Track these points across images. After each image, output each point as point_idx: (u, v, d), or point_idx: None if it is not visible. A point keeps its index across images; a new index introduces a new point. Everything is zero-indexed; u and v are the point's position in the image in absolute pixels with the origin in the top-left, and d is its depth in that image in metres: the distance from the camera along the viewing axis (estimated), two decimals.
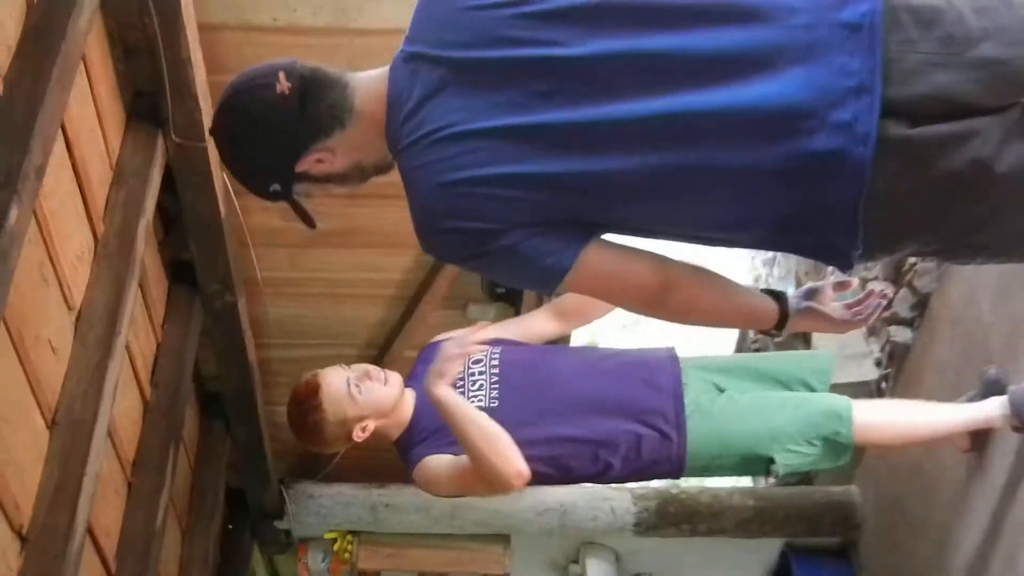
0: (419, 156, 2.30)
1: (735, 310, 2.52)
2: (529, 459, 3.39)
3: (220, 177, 4.02)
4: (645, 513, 5.65)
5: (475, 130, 2.23)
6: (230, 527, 5.53)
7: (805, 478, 6.28)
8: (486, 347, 3.64)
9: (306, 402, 3.52)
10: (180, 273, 4.37)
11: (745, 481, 6.81)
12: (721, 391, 3.76)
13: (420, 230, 2.38)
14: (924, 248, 2.37)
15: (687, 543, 5.78)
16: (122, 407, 3.73)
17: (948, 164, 2.09)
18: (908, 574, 5.01)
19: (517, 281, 2.79)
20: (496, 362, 3.63)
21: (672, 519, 5.66)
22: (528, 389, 3.56)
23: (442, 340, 3.71)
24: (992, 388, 3.86)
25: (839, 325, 2.68)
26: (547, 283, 2.35)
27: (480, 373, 3.59)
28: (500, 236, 2.26)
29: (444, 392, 3.34)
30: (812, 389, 3.84)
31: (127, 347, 3.70)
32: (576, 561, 5.90)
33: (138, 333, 3.94)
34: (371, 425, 3.57)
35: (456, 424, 3.35)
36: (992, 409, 3.74)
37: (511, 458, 3.33)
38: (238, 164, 2.52)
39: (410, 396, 3.63)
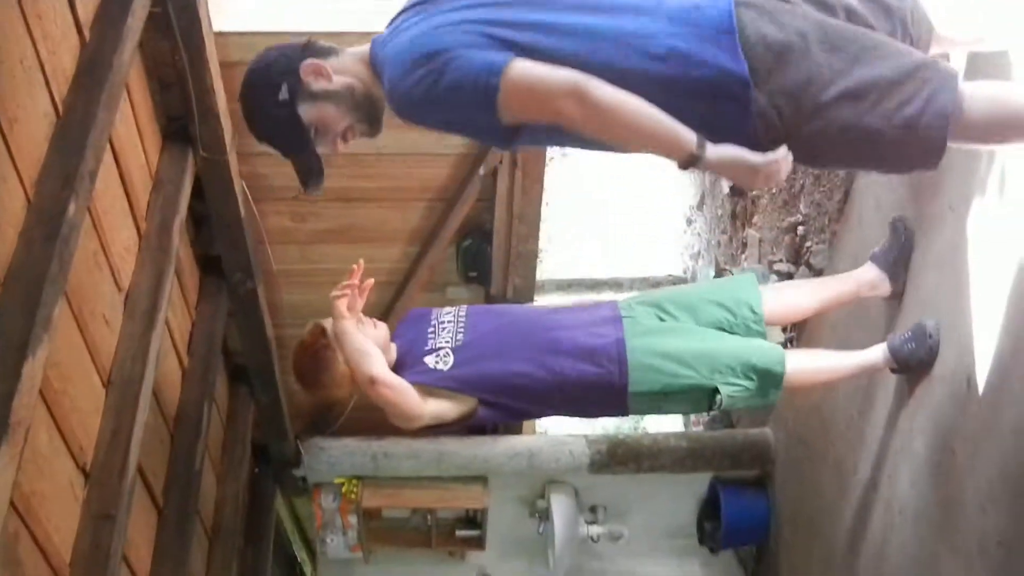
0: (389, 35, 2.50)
1: (655, 123, 2.33)
2: (488, 388, 3.34)
3: (240, 185, 4.09)
4: (598, 455, 5.73)
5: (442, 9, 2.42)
6: (256, 473, 5.57)
7: (728, 423, 6.36)
8: (458, 308, 3.63)
9: (314, 343, 3.35)
10: (209, 265, 4.41)
11: (678, 427, 6.90)
12: (662, 320, 3.56)
13: (393, 94, 2.42)
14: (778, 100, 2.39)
15: (633, 479, 5.85)
16: (164, 372, 3.78)
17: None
18: (813, 498, 5.09)
19: (463, 105, 2.39)
20: (464, 313, 3.56)
21: (620, 459, 5.73)
22: (490, 333, 3.46)
23: (417, 311, 3.74)
24: (893, 231, 3.92)
25: (755, 174, 2.39)
26: (487, 90, 2.31)
27: (449, 321, 3.51)
28: (446, 53, 2.32)
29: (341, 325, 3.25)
30: (752, 309, 3.60)
31: (167, 323, 3.76)
32: (542, 496, 5.95)
33: (176, 313, 4.00)
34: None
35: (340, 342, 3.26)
36: (876, 354, 3.81)
37: (367, 367, 3.18)
38: (252, 78, 2.60)
39: (394, 351, 3.49)
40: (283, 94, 2.48)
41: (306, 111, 2.51)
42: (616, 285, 10.63)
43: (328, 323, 3.34)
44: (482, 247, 4.97)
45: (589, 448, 5.74)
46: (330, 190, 4.75)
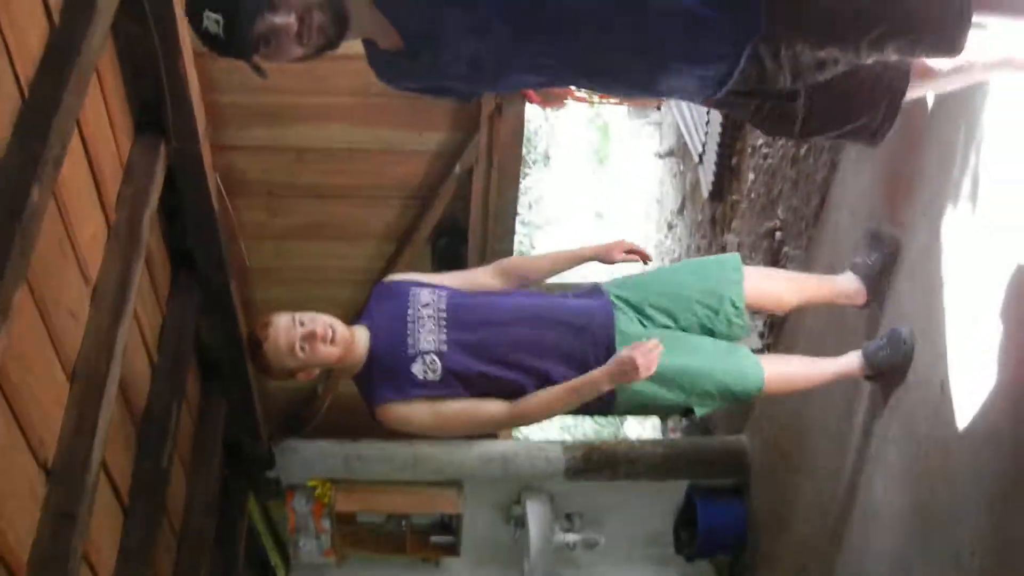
0: None
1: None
2: (482, 386, 3.29)
3: (213, 178, 4.06)
4: (574, 461, 5.71)
5: None
6: (228, 474, 5.51)
7: (705, 429, 6.35)
8: (435, 291, 3.43)
9: (253, 350, 3.24)
10: (181, 259, 4.35)
11: (655, 434, 6.88)
12: (644, 326, 3.51)
13: None
14: None
15: (609, 486, 5.82)
16: (132, 367, 3.72)
17: None
18: (789, 506, 5.07)
19: None
20: (444, 306, 3.38)
21: (596, 465, 5.71)
22: (472, 329, 3.33)
23: (393, 280, 3.56)
24: (874, 242, 3.90)
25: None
26: None
27: (429, 317, 3.34)
28: None
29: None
30: (733, 304, 3.56)
31: (137, 318, 3.71)
32: (518, 502, 5.91)
33: (146, 307, 3.94)
34: (316, 372, 3.30)
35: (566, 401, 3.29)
36: (851, 361, 3.79)
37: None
38: None
39: (361, 333, 3.35)
40: None
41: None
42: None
43: (271, 335, 3.17)
44: (458, 246, 4.95)
45: (565, 454, 5.72)
46: (305, 186, 4.81)
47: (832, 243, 4.48)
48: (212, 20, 2.20)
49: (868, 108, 2.66)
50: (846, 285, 3.89)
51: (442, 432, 3.45)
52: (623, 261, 3.60)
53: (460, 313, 3.37)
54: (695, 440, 5.97)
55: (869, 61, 2.44)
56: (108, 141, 3.44)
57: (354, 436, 5.70)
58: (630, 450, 5.79)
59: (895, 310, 3.81)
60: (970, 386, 3.27)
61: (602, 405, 3.41)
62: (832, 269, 4.07)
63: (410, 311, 3.35)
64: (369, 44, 2.43)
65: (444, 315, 3.36)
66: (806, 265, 4.80)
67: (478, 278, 3.63)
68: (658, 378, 3.30)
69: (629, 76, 2.50)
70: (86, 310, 3.24)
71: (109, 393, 3.17)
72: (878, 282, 3.85)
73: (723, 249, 7.29)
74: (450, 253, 4.97)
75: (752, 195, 5.56)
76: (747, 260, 6.34)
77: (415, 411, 3.27)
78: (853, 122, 2.69)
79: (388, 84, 2.49)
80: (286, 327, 3.18)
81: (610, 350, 3.32)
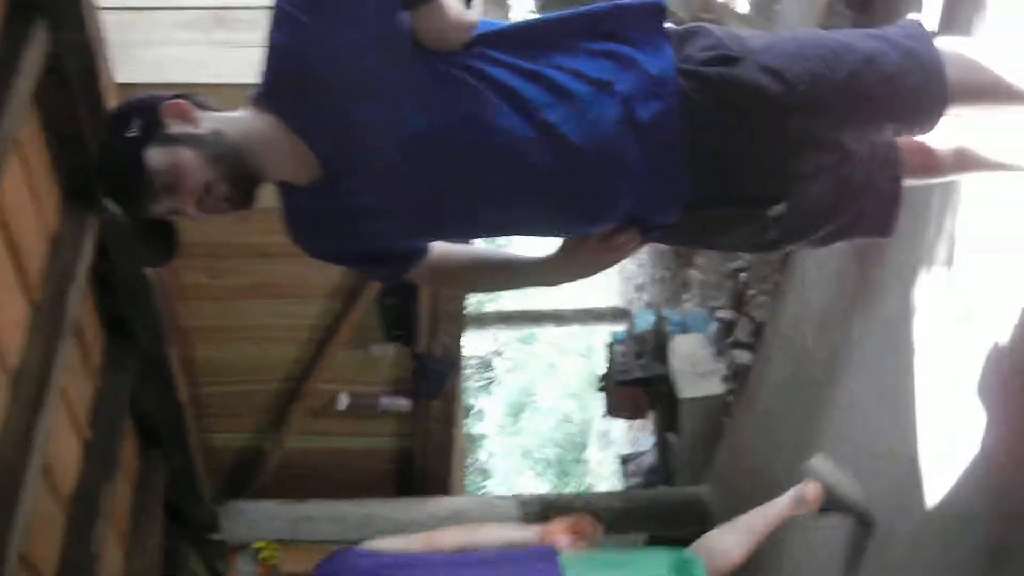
0: None
1: None
2: None
3: None
4: (528, 517, 5.53)
5: None
6: (170, 540, 5.31)
7: (665, 479, 6.22)
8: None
9: None
10: (116, 325, 4.16)
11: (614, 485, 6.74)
12: None
13: None
14: None
15: None
16: (58, 450, 3.54)
17: None
18: (750, 561, 4.94)
19: None
20: None
21: None
22: None
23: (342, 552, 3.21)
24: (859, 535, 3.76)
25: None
26: None
27: None
28: None
29: None
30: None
31: (65, 395, 3.54)
32: None
33: (76, 381, 3.76)
34: None
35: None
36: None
37: None
38: (108, 115, 2.17)
39: None
40: (133, 130, 1.98)
41: (156, 155, 1.96)
42: (558, 317, 10.55)
43: None
44: (407, 304, 4.78)
45: (519, 510, 5.56)
46: (249, 245, 4.64)
47: (799, 290, 4.37)
48: (113, 206, 2.02)
49: None
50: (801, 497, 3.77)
51: None
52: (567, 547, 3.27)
53: None
54: (654, 492, 5.85)
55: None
56: (29, 215, 3.26)
57: (303, 496, 5.54)
58: (586, 505, 5.63)
59: (861, 371, 3.69)
60: (940, 461, 3.13)
61: None
62: (797, 325, 3.95)
63: None
64: (287, 192, 2.12)
65: None
66: (772, 314, 4.68)
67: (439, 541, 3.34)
68: None
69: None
70: (4, 400, 3.04)
71: (28, 487, 3.00)
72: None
73: (686, 284, 7.19)
74: (398, 312, 4.81)
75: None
76: (710, 299, 6.28)
77: None
78: None
79: (307, 248, 2.23)
80: None
81: None
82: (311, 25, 1.91)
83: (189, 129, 1.99)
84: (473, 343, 13.25)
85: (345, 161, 2.02)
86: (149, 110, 2.00)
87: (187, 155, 1.96)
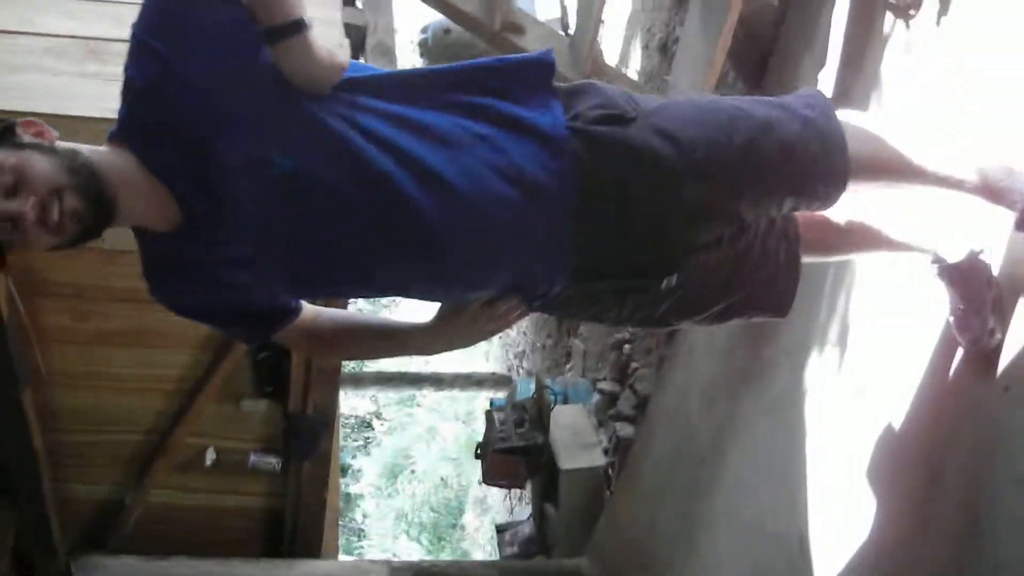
0: None
1: None
2: None
3: (4, 282, 3.64)
4: None
5: None
6: None
7: (543, 549, 6.11)
8: None
9: None
10: None
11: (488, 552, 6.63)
12: None
13: None
14: None
15: None
16: None
17: None
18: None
19: None
20: None
21: None
22: None
23: None
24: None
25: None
26: None
27: None
28: None
29: None
30: None
31: None
32: None
33: None
34: None
35: None
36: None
37: None
38: None
39: None
40: None
41: (3, 155, 1.81)
42: (437, 381, 10.39)
43: None
44: (280, 360, 4.59)
45: None
46: (119, 290, 4.41)
47: (686, 363, 4.30)
48: None
49: None
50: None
51: None
52: None
53: None
54: (531, 563, 5.73)
55: None
56: None
57: (165, 552, 5.26)
58: (461, 572, 5.52)
59: (751, 453, 3.60)
60: (830, 543, 3.04)
61: None
62: (682, 393, 3.86)
63: None
64: (145, 239, 1.97)
65: None
66: (657, 388, 4.61)
67: None
68: None
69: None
70: None
71: None
72: None
73: (568, 354, 7.13)
74: (271, 367, 4.61)
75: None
76: (593, 370, 6.21)
77: None
78: None
79: (166, 301, 2.07)
80: None
81: None
82: (167, 56, 1.79)
83: (41, 140, 1.85)
84: (352, 403, 13.05)
85: (205, 205, 1.86)
86: (3, 123, 1.85)
87: (38, 158, 1.80)
